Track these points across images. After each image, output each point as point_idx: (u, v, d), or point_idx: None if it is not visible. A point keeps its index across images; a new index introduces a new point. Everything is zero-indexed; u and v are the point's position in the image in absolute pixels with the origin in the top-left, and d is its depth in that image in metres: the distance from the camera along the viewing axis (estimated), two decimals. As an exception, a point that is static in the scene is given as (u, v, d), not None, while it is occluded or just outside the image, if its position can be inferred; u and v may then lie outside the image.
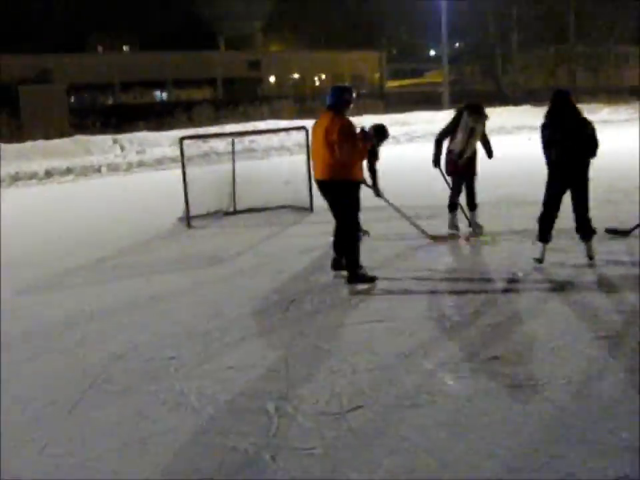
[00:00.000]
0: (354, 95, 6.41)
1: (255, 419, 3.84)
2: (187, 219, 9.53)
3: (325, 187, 6.38)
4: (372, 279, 6.37)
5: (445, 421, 3.71)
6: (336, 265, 6.64)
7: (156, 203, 11.73)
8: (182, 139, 9.85)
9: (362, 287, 6.29)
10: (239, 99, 35.06)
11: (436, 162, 8.10)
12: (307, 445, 3.52)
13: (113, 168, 17.84)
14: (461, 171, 8.07)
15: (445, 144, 8.10)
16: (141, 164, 18.43)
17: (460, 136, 7.83)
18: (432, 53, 73.07)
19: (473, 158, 8.06)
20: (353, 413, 3.82)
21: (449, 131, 8.03)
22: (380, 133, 7.95)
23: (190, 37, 49.67)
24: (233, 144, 10.70)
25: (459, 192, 8.27)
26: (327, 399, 4.02)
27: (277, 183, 11.26)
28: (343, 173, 6.22)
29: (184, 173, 9.62)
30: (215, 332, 5.32)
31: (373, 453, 3.41)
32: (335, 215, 6.47)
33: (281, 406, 3.96)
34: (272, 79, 52.76)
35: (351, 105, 6.39)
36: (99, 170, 17.52)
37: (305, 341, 5.07)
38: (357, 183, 6.45)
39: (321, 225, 8.15)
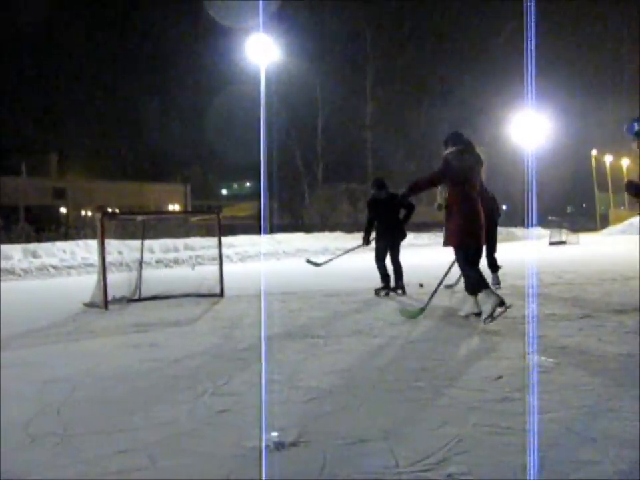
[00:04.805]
0: None
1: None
2: (105, 301, 9.00)
3: None
4: None
5: None
6: None
7: (41, 307, 10.88)
8: (103, 214, 9.43)
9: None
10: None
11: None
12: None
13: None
14: None
15: None
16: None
17: None
18: (224, 192, 75.56)
19: None
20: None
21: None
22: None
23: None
24: (143, 227, 10.41)
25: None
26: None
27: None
28: None
29: (103, 257, 9.17)
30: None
31: None
32: None
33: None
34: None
35: None
36: None
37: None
38: None
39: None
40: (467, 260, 6.94)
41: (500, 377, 4.59)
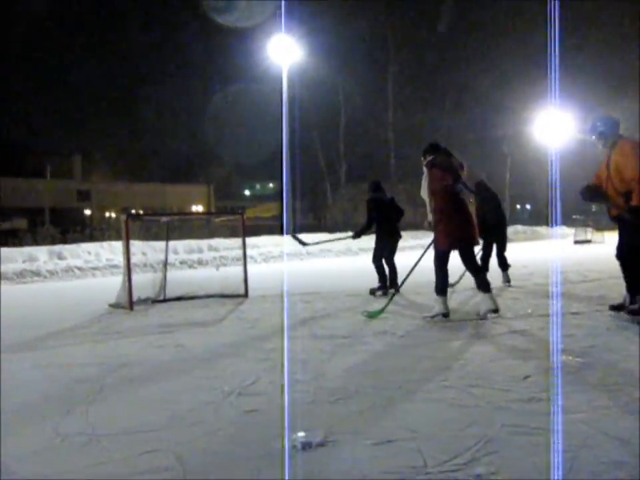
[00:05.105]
0: None
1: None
2: (130, 302, 9.06)
3: None
4: None
5: None
6: None
7: (65, 308, 10.96)
8: (128, 216, 9.50)
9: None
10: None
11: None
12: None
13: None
14: None
15: None
16: (0, 277, 17.14)
17: None
18: (247, 192, 75.80)
19: None
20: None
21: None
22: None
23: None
24: (167, 228, 10.47)
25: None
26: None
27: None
28: None
29: (128, 258, 9.23)
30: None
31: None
32: None
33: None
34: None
35: None
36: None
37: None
38: None
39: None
40: (443, 262, 7.19)
41: (527, 377, 4.56)
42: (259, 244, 24.24)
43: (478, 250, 10.55)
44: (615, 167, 6.79)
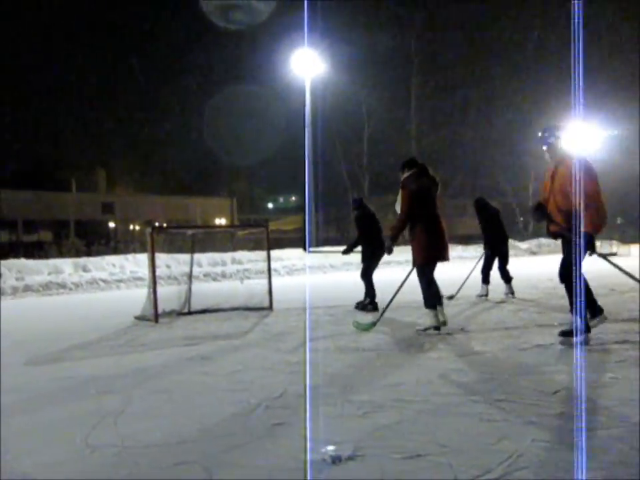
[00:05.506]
0: None
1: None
2: (156, 315, 9.09)
3: None
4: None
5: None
6: None
7: (90, 319, 11.05)
8: (153, 228, 9.55)
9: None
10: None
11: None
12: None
13: (-3, 292, 16.62)
14: None
15: None
16: (26, 289, 17.31)
17: None
18: (270, 205, 76.03)
19: None
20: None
21: None
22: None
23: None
24: (193, 241, 10.52)
25: None
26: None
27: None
28: None
29: (154, 271, 9.28)
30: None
31: None
32: None
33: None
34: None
35: None
36: (-20, 293, 16.25)
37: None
38: None
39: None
40: (427, 276, 7.38)
41: (556, 392, 4.51)
42: (283, 257, 24.27)
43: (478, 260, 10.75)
44: (560, 182, 6.35)
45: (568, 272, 6.27)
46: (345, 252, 10.36)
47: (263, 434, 3.82)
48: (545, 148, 6.63)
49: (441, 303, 7.40)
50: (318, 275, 20.32)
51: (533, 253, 32.97)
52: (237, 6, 35.39)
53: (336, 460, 3.30)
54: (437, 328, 7.25)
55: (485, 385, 4.81)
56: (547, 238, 38.92)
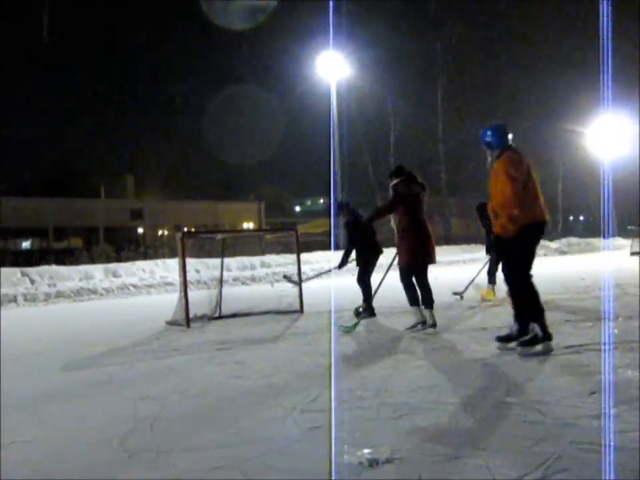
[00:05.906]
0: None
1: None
2: (187, 319, 9.15)
3: None
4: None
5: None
6: None
7: (124, 324, 11.14)
8: (183, 234, 9.63)
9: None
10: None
11: None
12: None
13: (30, 299, 16.84)
14: None
15: None
16: (58, 295, 17.51)
17: None
18: (297, 208, 76.17)
19: None
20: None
21: None
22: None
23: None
24: (223, 245, 10.58)
25: None
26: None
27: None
28: None
29: (184, 276, 9.35)
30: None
31: None
32: None
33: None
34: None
35: None
36: (14, 300, 16.48)
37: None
38: None
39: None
40: (407, 279, 7.66)
41: (593, 393, 4.47)
42: (311, 260, 24.27)
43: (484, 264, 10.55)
44: (490, 182, 6.16)
45: (512, 276, 6.13)
46: (340, 266, 9.93)
47: (300, 437, 3.83)
48: (484, 147, 6.41)
49: (431, 307, 7.67)
50: (346, 277, 20.29)
51: (563, 253, 32.69)
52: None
53: (373, 463, 3.30)
54: (423, 322, 7.56)
55: (521, 387, 4.77)
56: (576, 237, 38.65)
